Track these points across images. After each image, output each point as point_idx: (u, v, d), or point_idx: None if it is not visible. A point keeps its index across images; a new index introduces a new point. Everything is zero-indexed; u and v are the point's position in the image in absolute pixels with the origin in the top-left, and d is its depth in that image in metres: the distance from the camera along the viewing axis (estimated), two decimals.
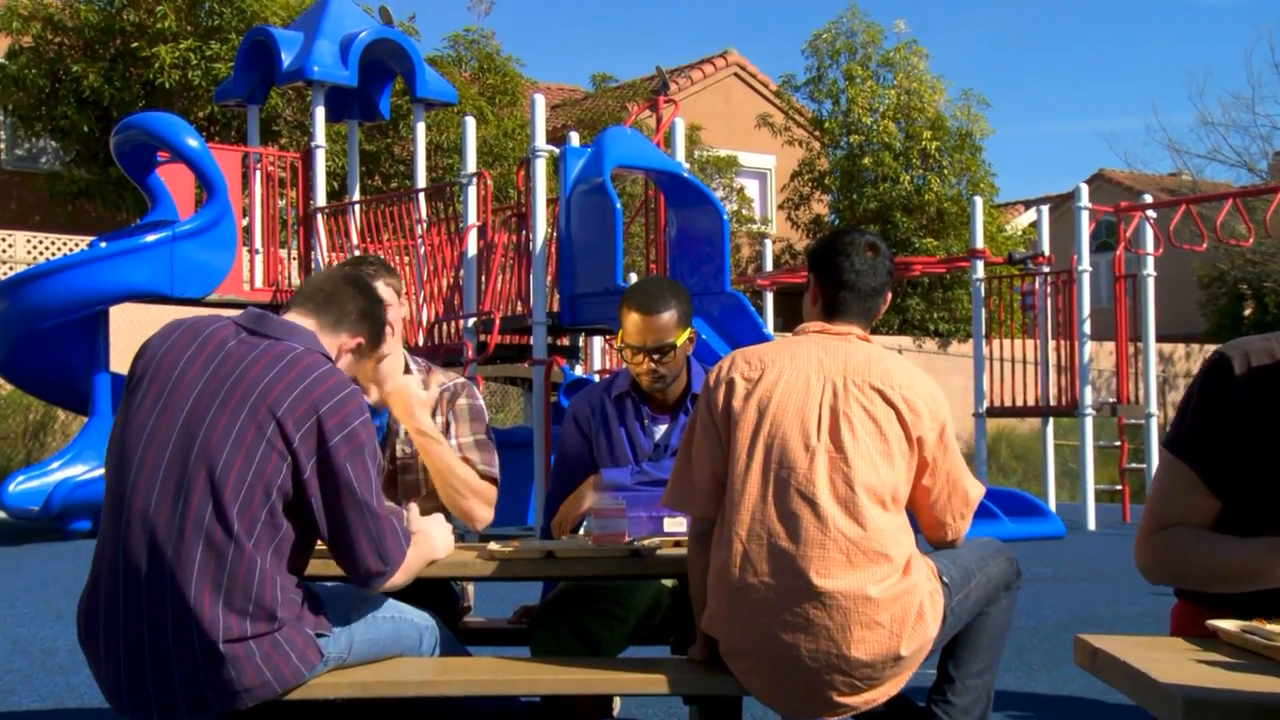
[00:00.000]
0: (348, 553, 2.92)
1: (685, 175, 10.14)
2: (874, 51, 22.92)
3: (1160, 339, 12.98)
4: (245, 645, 2.78)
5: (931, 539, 3.29)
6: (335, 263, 11.37)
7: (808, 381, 3.13)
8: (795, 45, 42.82)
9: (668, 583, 3.84)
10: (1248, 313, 29.21)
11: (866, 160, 22.20)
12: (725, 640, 3.06)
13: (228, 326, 2.98)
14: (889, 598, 2.97)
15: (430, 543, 3.21)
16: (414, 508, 3.41)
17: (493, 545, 3.43)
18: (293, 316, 3.06)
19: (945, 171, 22.28)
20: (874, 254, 3.30)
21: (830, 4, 43.91)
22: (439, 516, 3.39)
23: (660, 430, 3.98)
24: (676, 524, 3.73)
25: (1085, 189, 12.17)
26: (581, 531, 3.91)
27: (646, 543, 3.46)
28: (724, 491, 3.12)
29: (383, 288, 3.66)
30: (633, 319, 3.85)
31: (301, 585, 2.93)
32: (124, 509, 2.83)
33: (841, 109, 22.82)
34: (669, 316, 3.85)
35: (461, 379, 3.84)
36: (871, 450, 3.06)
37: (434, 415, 3.76)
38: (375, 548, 2.92)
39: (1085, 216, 12.13)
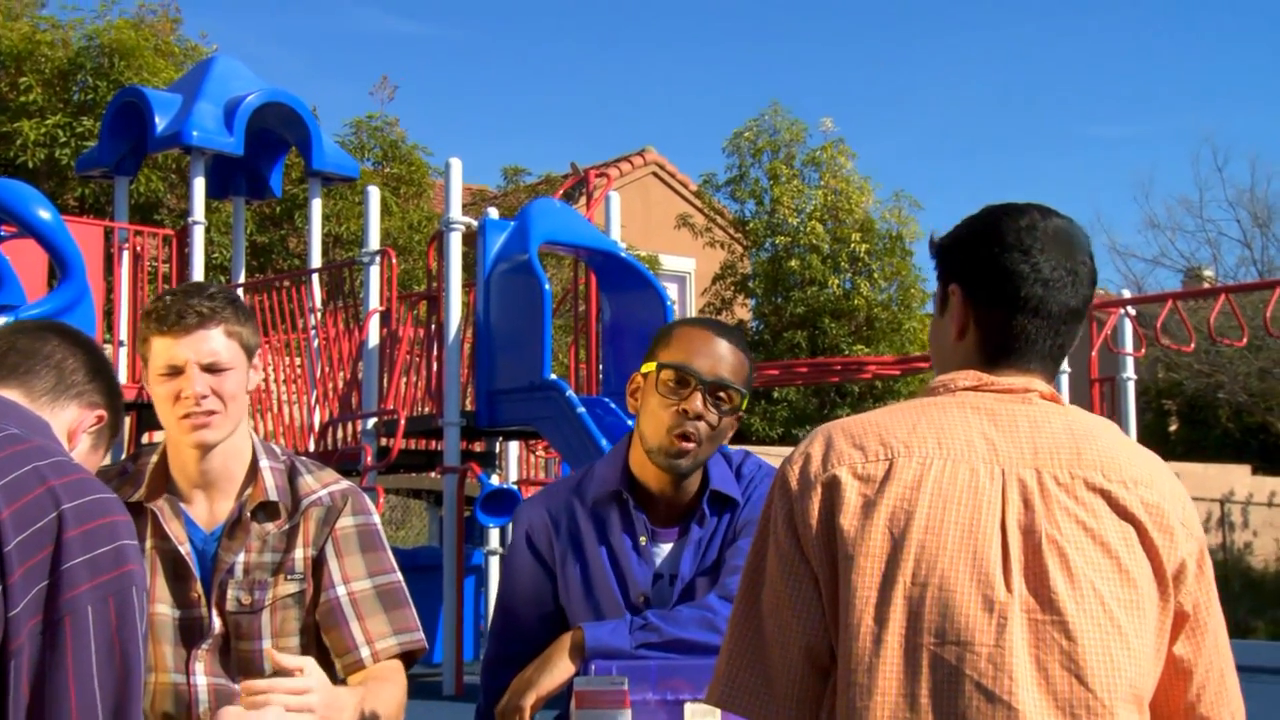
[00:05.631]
0: None
1: (623, 255, 8.85)
2: (798, 150, 22.00)
3: None
4: None
5: None
6: None
7: (974, 480, 1.69)
8: (715, 144, 42.24)
9: None
10: (1173, 428, 28.41)
11: (793, 263, 21.12)
12: None
13: None
14: None
15: None
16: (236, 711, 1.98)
17: None
18: None
19: (875, 276, 21.25)
20: (1069, 250, 1.88)
21: (750, 103, 43.25)
22: (276, 685, 2.00)
23: (663, 551, 2.55)
24: (705, 713, 2.27)
25: None
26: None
27: None
28: (827, 682, 1.69)
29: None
30: (694, 334, 2.53)
31: None
32: None
33: (766, 209, 21.80)
34: (741, 357, 2.53)
35: (341, 485, 2.39)
36: (1110, 604, 1.64)
37: (292, 546, 2.34)
38: None
39: None
